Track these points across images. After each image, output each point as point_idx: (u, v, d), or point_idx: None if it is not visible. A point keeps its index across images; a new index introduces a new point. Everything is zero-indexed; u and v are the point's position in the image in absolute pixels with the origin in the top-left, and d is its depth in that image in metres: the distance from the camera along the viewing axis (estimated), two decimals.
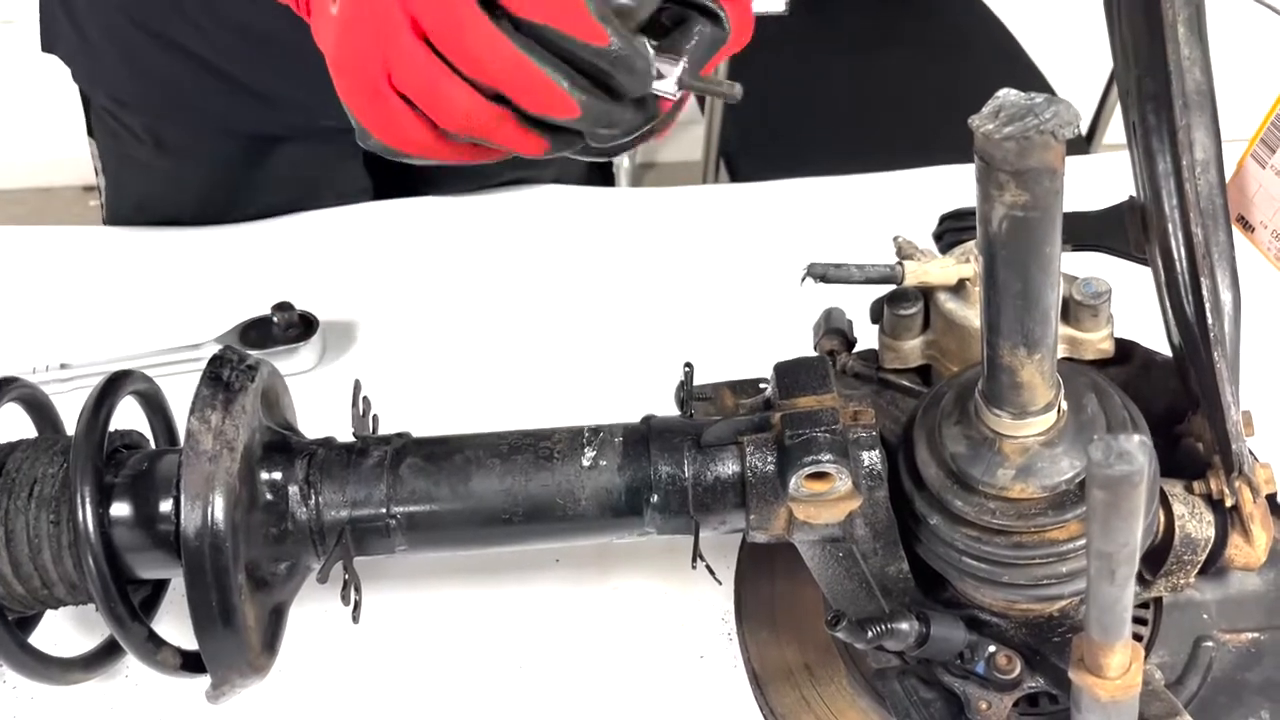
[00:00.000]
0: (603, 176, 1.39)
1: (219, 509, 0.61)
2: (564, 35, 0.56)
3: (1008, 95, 0.49)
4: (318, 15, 0.62)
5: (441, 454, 0.67)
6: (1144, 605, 0.73)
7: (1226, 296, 0.64)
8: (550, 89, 0.56)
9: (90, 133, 1.16)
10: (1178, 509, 0.66)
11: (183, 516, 0.61)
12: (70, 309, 1.01)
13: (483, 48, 0.56)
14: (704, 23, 0.62)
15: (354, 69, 0.59)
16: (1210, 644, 0.71)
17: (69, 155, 1.20)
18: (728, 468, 0.65)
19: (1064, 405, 0.61)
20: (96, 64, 1.08)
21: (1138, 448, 0.43)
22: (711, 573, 0.68)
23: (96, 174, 1.18)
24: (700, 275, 1.03)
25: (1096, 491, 0.45)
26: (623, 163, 2.33)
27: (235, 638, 0.63)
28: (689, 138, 2.07)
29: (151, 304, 1.01)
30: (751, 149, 1.82)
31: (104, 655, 0.71)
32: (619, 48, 0.56)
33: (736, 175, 1.82)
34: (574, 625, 0.79)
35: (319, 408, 0.76)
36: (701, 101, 1.85)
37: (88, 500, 0.63)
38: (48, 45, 1.10)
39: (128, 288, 1.03)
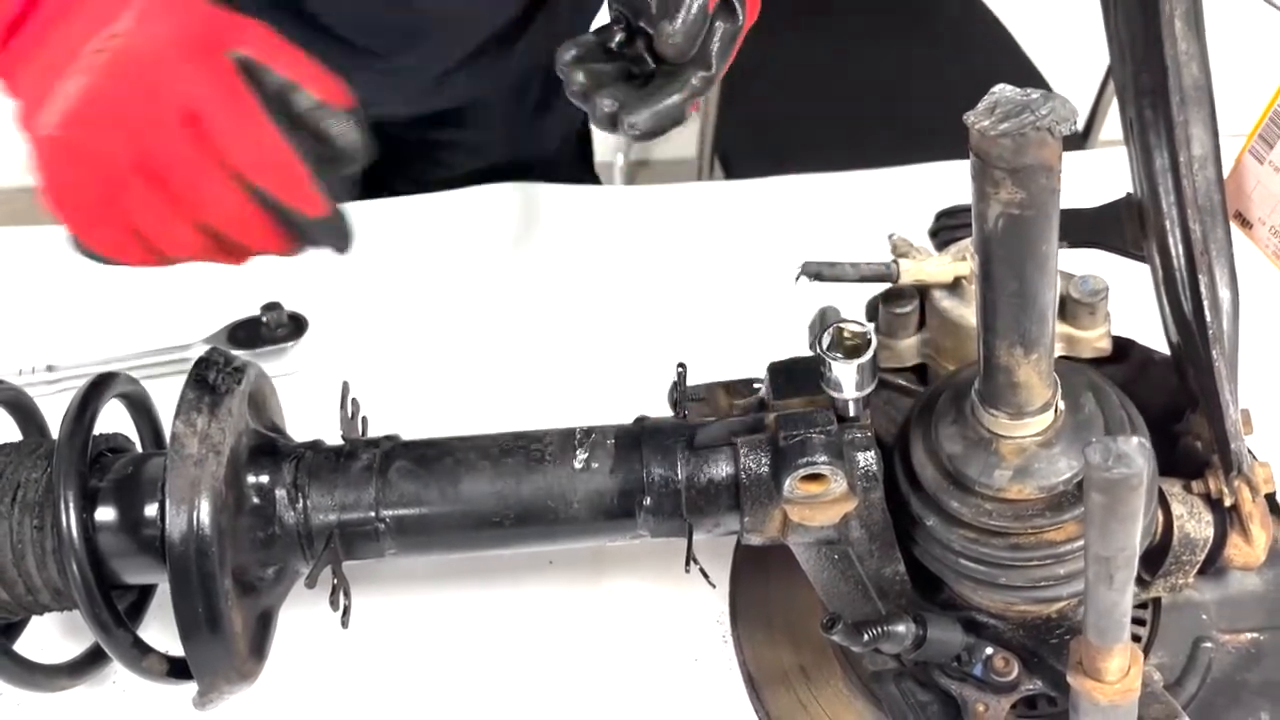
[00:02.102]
0: (585, 172, 1.39)
1: (205, 513, 0.61)
2: None
3: (1004, 91, 0.48)
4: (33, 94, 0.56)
5: (431, 456, 0.67)
6: (1142, 605, 0.72)
7: (1225, 294, 0.63)
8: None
9: None
10: (1176, 509, 0.66)
11: (168, 521, 0.61)
12: (56, 309, 1.00)
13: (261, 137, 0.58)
14: (722, 19, 0.65)
15: (95, 161, 0.56)
16: (1209, 645, 0.70)
17: None
18: (721, 469, 0.65)
19: (1061, 405, 0.60)
20: None
21: (1136, 450, 0.42)
22: (705, 576, 0.68)
23: None
24: (694, 274, 1.03)
25: (1095, 495, 0.44)
26: (617, 160, 2.33)
27: (222, 644, 0.62)
28: (683, 135, 2.05)
29: (139, 304, 1.00)
30: (746, 146, 1.81)
31: (90, 662, 0.70)
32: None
33: (731, 173, 1.81)
34: (567, 627, 0.79)
35: (307, 409, 0.75)
36: None
37: (71, 505, 0.63)
38: None
39: (114, 288, 1.02)
